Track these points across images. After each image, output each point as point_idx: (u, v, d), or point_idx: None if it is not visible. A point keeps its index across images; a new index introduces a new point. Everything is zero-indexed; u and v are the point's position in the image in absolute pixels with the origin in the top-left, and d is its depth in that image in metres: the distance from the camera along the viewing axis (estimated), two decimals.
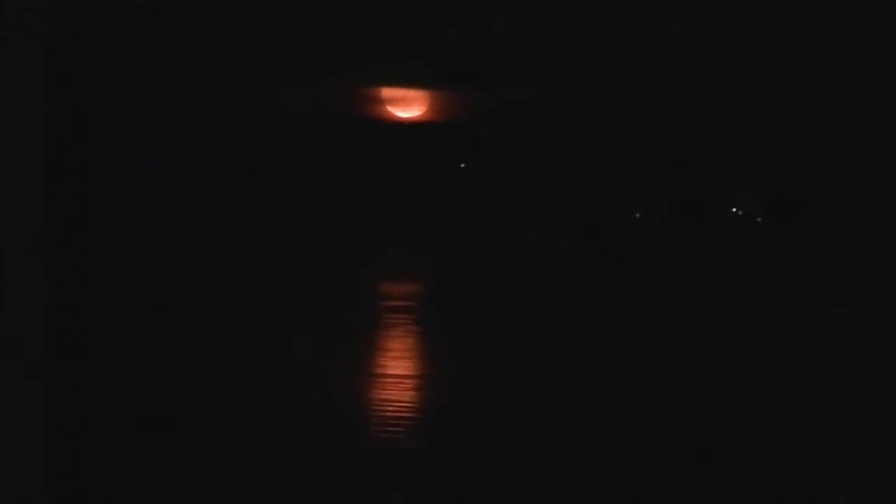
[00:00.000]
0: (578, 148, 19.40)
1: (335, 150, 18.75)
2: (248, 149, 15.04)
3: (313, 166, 18.02)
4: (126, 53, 7.66)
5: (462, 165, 20.77)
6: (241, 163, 14.68)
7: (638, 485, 8.06)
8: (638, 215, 21.15)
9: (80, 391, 6.71)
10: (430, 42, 18.16)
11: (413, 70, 19.06)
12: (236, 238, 13.83)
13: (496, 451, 9.11)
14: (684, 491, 7.85)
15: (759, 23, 17.37)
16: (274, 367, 9.96)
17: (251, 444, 7.82)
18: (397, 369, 12.61)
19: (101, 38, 7.20)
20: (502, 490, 7.97)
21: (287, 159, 16.83)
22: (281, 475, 7.37)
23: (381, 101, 19.94)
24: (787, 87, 18.09)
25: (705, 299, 17.34)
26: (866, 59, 16.99)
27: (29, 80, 6.97)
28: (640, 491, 7.91)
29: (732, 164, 19.60)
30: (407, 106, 20.06)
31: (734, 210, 21.10)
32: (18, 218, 6.97)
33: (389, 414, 10.18)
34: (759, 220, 20.95)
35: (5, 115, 6.96)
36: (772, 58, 17.80)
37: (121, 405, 7.16)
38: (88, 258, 6.76)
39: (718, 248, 19.52)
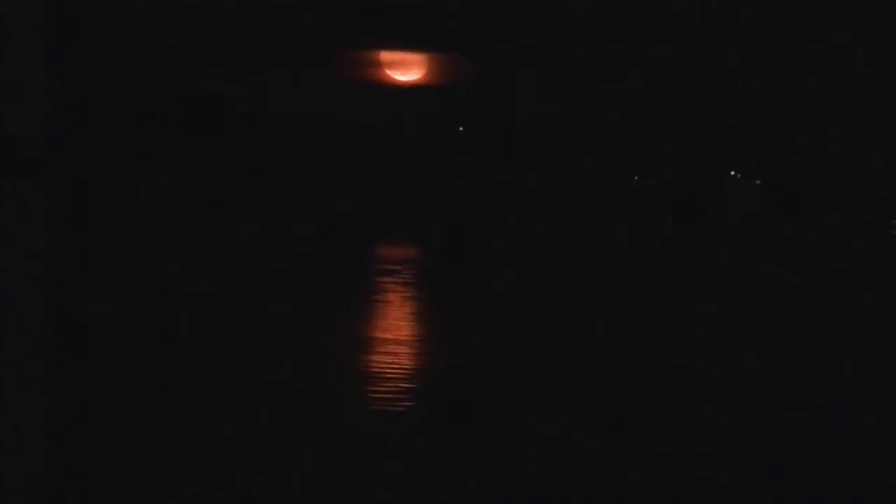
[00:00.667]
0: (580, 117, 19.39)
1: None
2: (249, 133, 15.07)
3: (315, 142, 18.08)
4: (126, 52, 7.69)
5: (461, 129, 20.78)
6: (241, 147, 14.71)
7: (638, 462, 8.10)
8: (636, 179, 21.16)
9: (80, 392, 6.77)
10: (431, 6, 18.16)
11: (412, 33, 19.03)
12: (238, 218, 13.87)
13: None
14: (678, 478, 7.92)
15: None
16: (278, 356, 10.00)
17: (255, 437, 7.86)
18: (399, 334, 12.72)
19: (101, 37, 7.22)
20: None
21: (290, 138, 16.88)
22: (280, 468, 7.45)
23: (380, 65, 19.92)
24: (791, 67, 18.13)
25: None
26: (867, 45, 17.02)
27: (29, 80, 6.99)
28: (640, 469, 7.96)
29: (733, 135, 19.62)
30: (406, 69, 20.04)
31: (733, 174, 21.11)
32: (18, 218, 7.00)
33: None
34: (758, 182, 20.97)
35: (5, 115, 6.98)
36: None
37: (121, 404, 7.22)
38: (88, 258, 6.81)
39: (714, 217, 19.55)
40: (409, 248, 19.88)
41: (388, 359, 11.21)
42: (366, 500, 7.12)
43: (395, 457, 7.93)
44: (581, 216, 19.26)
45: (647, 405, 9.39)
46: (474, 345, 11.88)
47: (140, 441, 7.15)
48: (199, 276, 10.18)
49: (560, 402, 9.43)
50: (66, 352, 6.76)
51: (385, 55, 19.86)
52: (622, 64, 18.64)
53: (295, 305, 12.58)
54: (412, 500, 7.22)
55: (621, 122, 19.55)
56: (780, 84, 18.63)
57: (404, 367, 10.92)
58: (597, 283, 15.97)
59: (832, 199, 18.57)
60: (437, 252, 19.12)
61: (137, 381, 7.64)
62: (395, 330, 12.93)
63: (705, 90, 19.07)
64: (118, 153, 7.40)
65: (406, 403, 9.51)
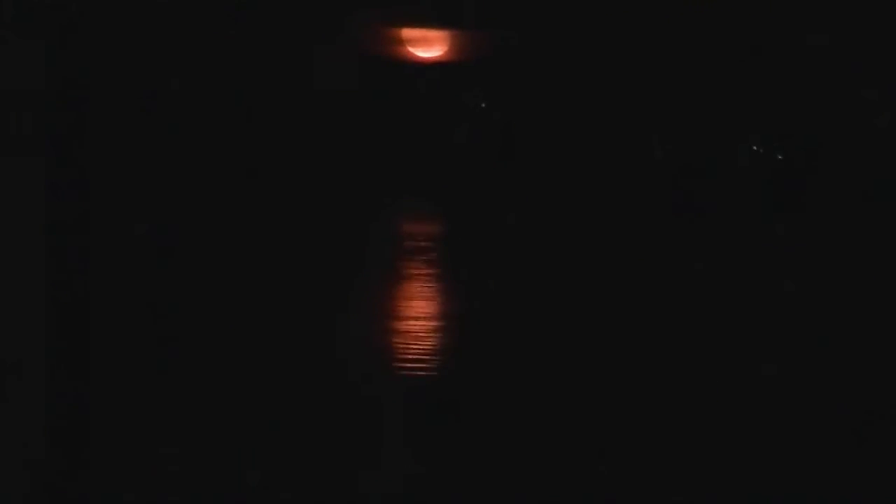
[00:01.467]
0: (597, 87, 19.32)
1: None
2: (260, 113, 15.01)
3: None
4: (126, 50, 7.68)
5: (483, 105, 20.76)
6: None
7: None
8: (655, 141, 21.07)
9: (80, 392, 6.83)
10: None
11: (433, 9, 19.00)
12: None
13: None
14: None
15: None
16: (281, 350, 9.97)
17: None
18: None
19: (101, 36, 7.24)
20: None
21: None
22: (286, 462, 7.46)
23: (401, 42, 19.87)
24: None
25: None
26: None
27: (29, 82, 7.02)
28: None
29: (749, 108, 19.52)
30: (427, 46, 20.00)
31: (754, 148, 21.02)
32: (18, 219, 7.05)
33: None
34: (780, 157, 20.88)
35: (5, 114, 7.02)
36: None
37: (121, 404, 7.23)
38: (88, 258, 6.86)
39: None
40: (425, 227, 19.83)
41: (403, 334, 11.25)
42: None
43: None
44: (597, 190, 19.15)
45: (648, 402, 9.35)
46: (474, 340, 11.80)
47: (140, 441, 7.17)
48: (199, 273, 10.14)
49: (558, 399, 9.38)
50: (66, 352, 6.82)
51: (406, 32, 19.83)
52: (647, 29, 18.56)
53: (299, 294, 12.56)
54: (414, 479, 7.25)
55: (641, 91, 19.47)
56: (802, 54, 18.53)
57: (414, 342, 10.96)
58: (605, 268, 15.79)
59: (848, 176, 18.46)
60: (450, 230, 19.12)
61: (137, 380, 7.65)
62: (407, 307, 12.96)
63: (726, 58, 18.98)
64: (118, 153, 7.42)
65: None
